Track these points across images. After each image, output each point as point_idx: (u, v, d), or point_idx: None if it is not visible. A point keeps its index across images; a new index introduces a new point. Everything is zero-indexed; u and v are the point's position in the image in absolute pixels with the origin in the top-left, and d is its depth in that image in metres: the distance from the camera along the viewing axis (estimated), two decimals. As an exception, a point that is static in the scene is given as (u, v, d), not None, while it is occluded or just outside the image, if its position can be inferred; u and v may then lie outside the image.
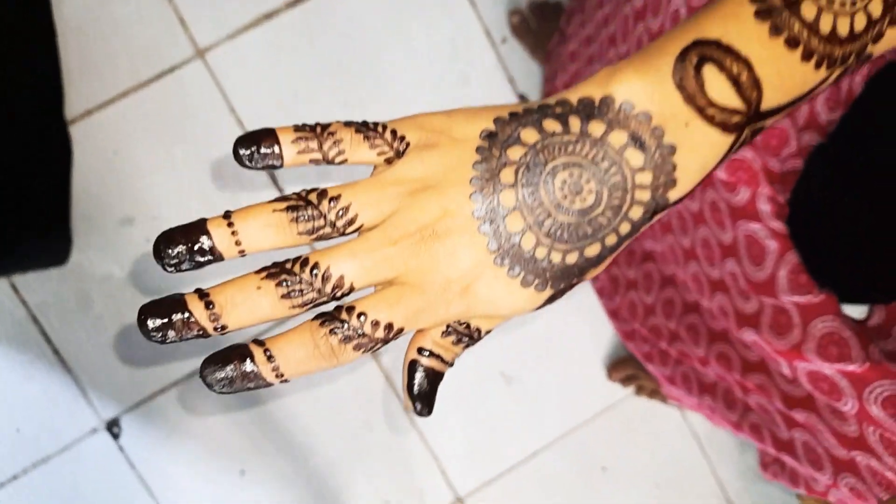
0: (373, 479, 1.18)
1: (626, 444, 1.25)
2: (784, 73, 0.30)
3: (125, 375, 1.09)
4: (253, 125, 1.09)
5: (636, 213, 0.30)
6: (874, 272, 0.62)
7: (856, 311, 0.65)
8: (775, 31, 0.29)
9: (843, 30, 0.29)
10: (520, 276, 0.31)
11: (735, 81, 0.29)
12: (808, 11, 0.29)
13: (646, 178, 0.30)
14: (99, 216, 1.07)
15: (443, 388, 1.18)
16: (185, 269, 0.30)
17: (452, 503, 1.21)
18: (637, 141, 0.30)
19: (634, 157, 0.30)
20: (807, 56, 0.29)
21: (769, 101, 0.30)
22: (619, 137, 0.30)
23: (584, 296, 1.14)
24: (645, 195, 0.30)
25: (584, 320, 1.21)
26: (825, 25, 0.29)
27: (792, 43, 0.29)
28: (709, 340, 0.78)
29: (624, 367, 1.17)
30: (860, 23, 0.29)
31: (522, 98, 1.16)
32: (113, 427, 1.09)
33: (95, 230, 1.07)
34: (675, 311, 0.84)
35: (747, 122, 0.30)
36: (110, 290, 1.08)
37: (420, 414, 0.33)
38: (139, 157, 1.07)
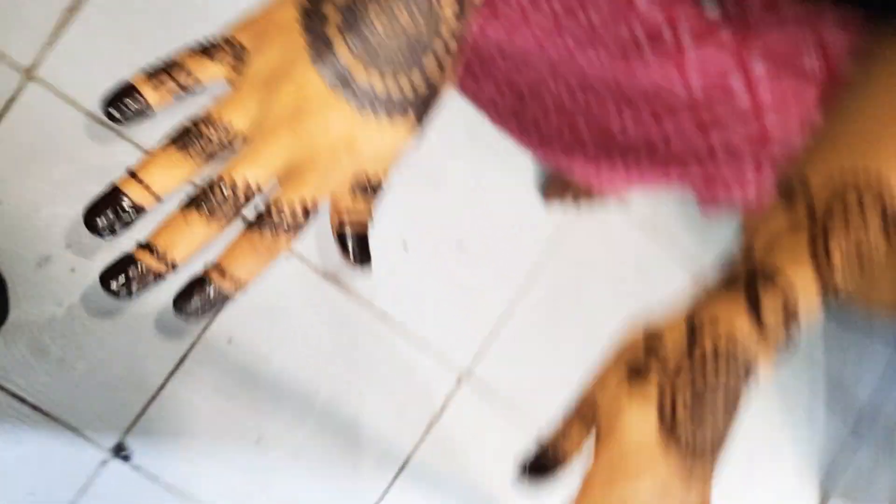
0: (378, 391, 1.22)
1: (591, 256, 1.30)
2: None
3: (109, 401, 1.10)
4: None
5: (448, 11, 0.34)
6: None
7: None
8: None
9: None
10: (384, 115, 0.35)
11: None
12: None
13: None
14: (15, 267, 1.06)
15: (408, 279, 1.21)
16: (119, 231, 0.34)
17: (459, 379, 1.25)
18: None
19: None
20: None
21: None
22: None
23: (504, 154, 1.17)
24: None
25: (509, 176, 1.24)
26: None
27: None
28: (616, 104, 0.81)
29: (554, 184, 1.21)
30: None
31: None
32: (120, 452, 1.10)
33: (18, 282, 1.06)
34: (575, 97, 0.87)
35: None
36: (59, 329, 1.08)
37: (364, 267, 0.38)
38: (25, 196, 1.06)
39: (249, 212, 0.36)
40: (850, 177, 0.39)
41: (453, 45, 0.35)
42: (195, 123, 0.34)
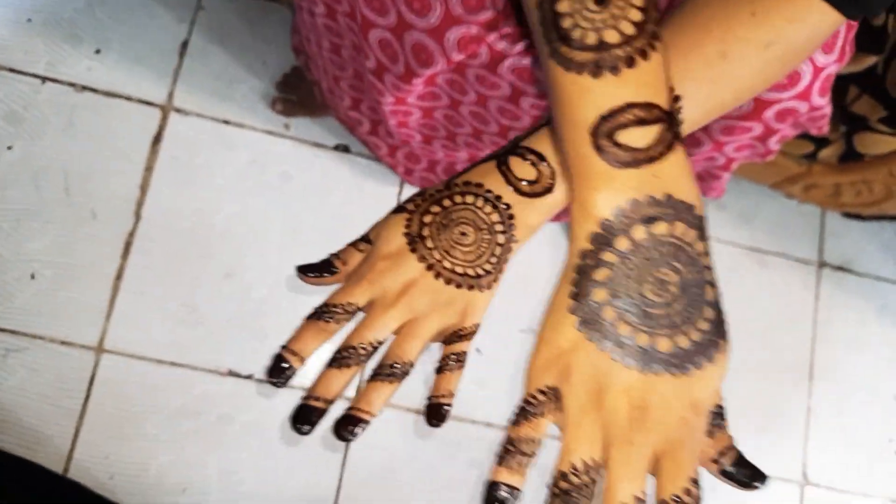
0: None
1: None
2: None
3: None
4: (182, 355, 1.12)
5: (700, 246, 0.36)
6: None
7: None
8: None
9: None
10: (705, 362, 0.36)
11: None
12: None
13: (678, 228, 0.35)
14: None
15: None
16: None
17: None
18: (649, 219, 0.35)
19: (659, 227, 0.35)
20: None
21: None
22: (639, 231, 0.35)
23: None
24: (689, 234, 0.36)
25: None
26: None
27: None
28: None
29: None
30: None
31: (345, 148, 1.21)
32: None
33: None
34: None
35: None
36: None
37: (762, 483, 0.38)
38: (130, 460, 1.09)
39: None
40: None
41: (713, 264, 0.37)
42: (575, 475, 0.35)
